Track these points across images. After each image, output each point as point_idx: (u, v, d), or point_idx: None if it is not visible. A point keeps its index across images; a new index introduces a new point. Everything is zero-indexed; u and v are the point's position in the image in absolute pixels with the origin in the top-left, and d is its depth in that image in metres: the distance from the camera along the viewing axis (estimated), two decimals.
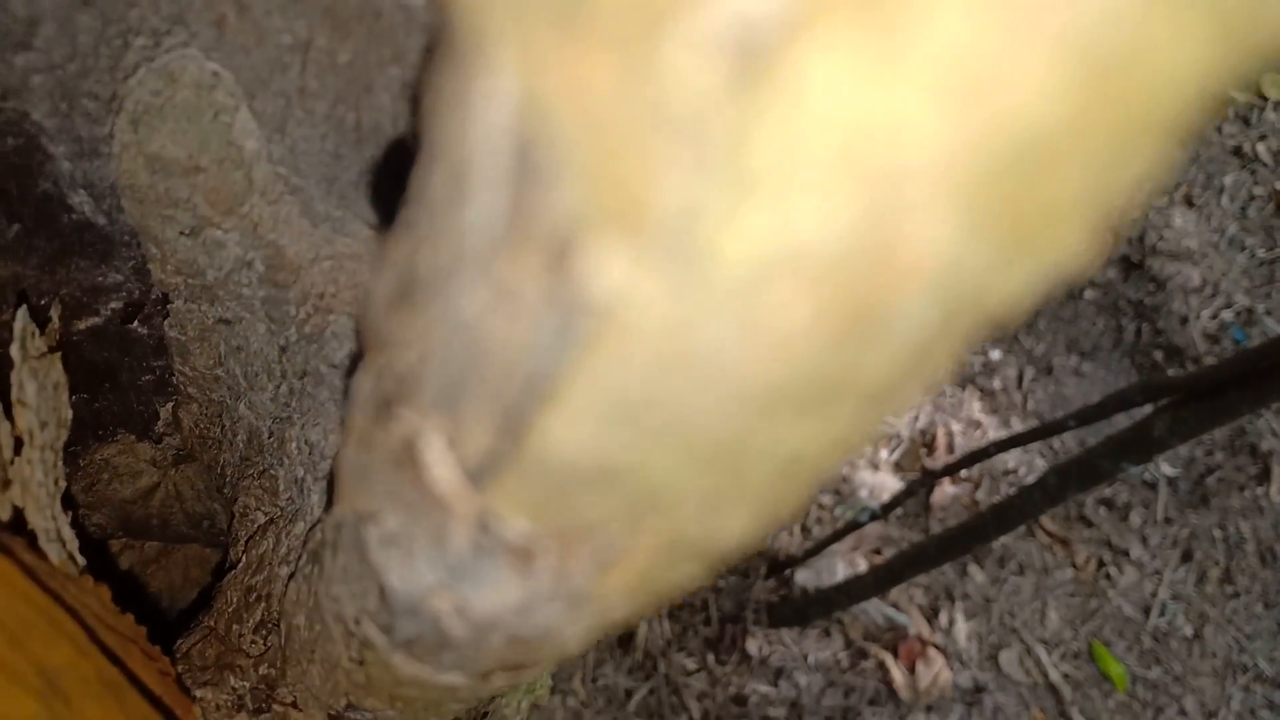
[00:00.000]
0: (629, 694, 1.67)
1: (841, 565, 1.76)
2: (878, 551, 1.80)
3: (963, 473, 1.90)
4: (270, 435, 0.49)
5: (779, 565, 1.71)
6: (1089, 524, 1.91)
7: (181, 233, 0.40)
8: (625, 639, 1.67)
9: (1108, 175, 0.12)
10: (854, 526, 1.49)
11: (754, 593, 1.73)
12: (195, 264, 0.42)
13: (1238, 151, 2.24)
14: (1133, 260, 2.14)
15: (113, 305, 0.47)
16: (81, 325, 0.48)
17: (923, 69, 0.10)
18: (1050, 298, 2.14)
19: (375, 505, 0.23)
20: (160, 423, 0.57)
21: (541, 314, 0.13)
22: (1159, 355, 2.07)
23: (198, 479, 0.62)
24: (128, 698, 0.31)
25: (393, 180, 0.34)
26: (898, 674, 1.70)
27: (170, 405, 0.56)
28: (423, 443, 0.18)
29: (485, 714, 0.48)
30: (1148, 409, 1.04)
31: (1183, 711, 1.75)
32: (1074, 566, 1.87)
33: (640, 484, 0.15)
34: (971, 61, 0.10)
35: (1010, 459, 1.92)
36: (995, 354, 2.05)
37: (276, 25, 0.33)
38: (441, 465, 0.18)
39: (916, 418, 1.92)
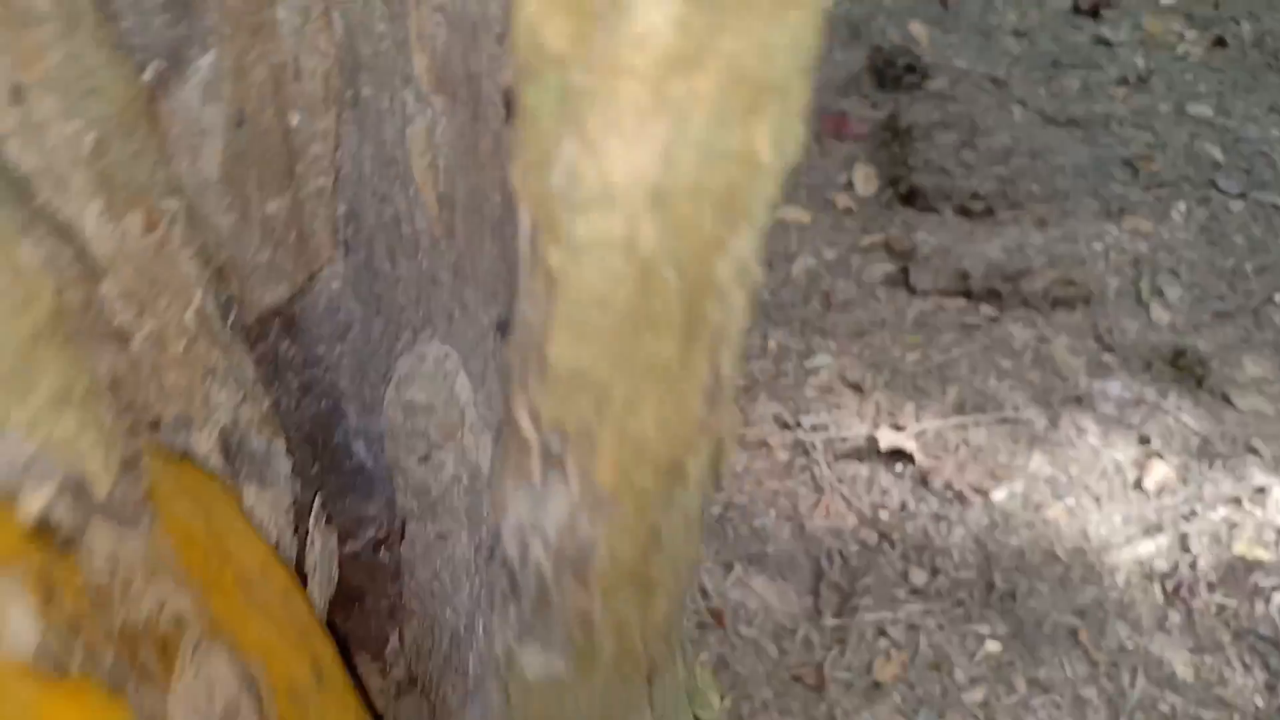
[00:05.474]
0: None
1: None
2: None
3: None
4: (466, 629, 0.67)
5: None
6: None
7: (419, 459, 0.62)
8: None
9: None
10: None
11: None
12: (425, 484, 0.63)
13: None
14: None
15: (369, 534, 0.69)
16: (345, 550, 0.69)
17: None
18: None
19: (510, 504, 0.41)
20: (389, 649, 0.76)
21: None
22: None
23: (414, 713, 0.79)
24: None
25: None
26: None
27: (397, 632, 0.75)
28: (520, 414, 0.37)
29: None
30: None
31: None
32: None
33: (594, 385, 0.34)
34: None
35: None
36: None
37: (479, 313, 0.57)
38: (526, 420, 0.37)
39: None
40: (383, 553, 0.70)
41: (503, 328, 0.48)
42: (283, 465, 0.57)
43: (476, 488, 0.62)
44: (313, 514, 0.60)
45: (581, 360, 0.34)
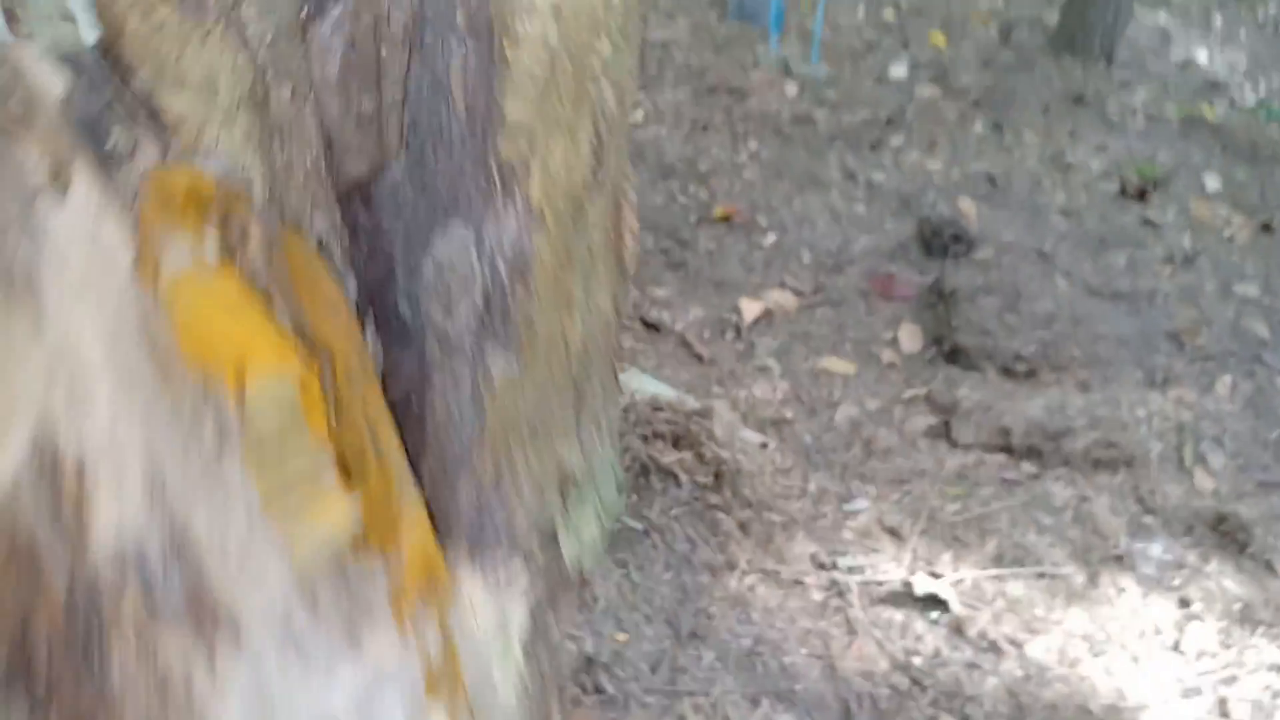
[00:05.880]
0: None
1: None
2: None
3: None
4: (465, 447, 0.92)
5: None
6: None
7: (443, 312, 0.90)
8: None
9: None
10: None
11: None
12: (446, 332, 0.91)
13: None
14: None
15: (404, 380, 0.96)
16: (386, 396, 0.96)
17: None
18: None
19: (492, 242, 0.69)
20: None
21: None
22: None
23: None
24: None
25: None
26: None
27: (422, 479, 0.99)
28: (492, 166, 0.66)
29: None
30: None
31: None
32: None
33: (528, 130, 0.62)
34: None
35: None
36: None
37: (484, 190, 0.86)
38: (494, 168, 0.65)
39: None
40: (414, 401, 0.96)
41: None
42: (353, 286, 0.86)
43: (478, 329, 0.89)
44: (368, 323, 0.88)
45: (522, 114, 0.63)
